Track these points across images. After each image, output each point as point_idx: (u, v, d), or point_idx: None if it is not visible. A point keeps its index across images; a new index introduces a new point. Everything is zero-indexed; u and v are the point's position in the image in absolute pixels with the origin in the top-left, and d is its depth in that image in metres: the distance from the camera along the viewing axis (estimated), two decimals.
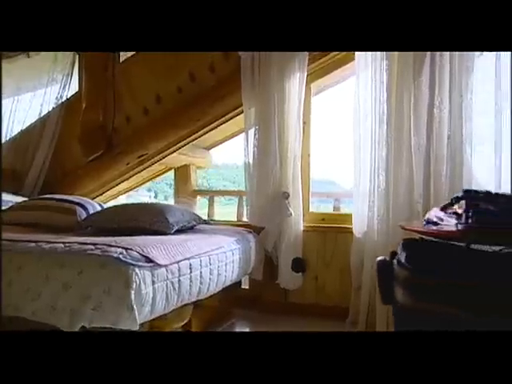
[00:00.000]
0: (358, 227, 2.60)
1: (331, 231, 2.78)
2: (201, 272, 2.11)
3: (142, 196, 7.42)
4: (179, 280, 1.95)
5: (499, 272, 0.85)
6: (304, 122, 2.81)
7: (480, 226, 1.20)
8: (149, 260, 1.77)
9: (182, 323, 2.18)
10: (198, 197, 3.84)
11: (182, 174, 3.73)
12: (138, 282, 1.69)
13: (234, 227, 2.76)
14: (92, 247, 1.81)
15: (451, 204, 1.31)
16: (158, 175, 4.01)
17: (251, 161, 2.78)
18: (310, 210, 2.92)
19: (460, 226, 1.23)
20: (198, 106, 2.91)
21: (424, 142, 2.48)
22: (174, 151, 3.13)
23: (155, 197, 7.80)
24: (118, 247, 1.78)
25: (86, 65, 3.19)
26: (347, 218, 2.71)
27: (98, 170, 3.13)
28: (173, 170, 3.79)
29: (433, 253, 0.90)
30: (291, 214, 2.68)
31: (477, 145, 2.41)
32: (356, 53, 2.62)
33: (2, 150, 3.23)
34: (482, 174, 2.38)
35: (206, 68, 2.92)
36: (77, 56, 3.28)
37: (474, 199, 1.24)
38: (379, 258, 1.02)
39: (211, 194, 3.83)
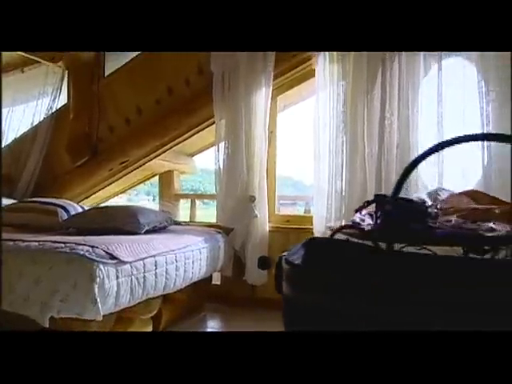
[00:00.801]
0: (318, 228, 2.67)
1: (294, 232, 2.85)
2: (166, 269, 2.18)
3: (141, 199, 7.54)
4: (144, 276, 2.01)
5: (387, 267, 0.92)
6: (271, 132, 2.89)
7: (385, 226, 1.28)
8: (113, 257, 1.84)
9: (150, 315, 2.24)
10: (187, 200, 3.94)
11: (166, 179, 3.81)
12: (101, 277, 1.76)
13: (204, 228, 2.83)
14: (62, 245, 1.88)
15: (364, 206, 1.39)
16: (145, 180, 4.10)
17: (221, 167, 2.86)
18: (276, 213, 2.99)
19: (369, 227, 1.32)
20: (175, 117, 2.99)
21: (376, 150, 2.56)
22: (154, 158, 3.21)
23: (153, 200, 7.90)
24: (85, 245, 1.85)
25: (74, 79, 3.28)
26: (309, 219, 2.78)
27: (83, 175, 3.21)
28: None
29: (325, 250, 0.98)
30: (257, 215, 2.76)
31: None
32: (316, 69, 2.70)
33: None
34: (427, 178, 2.46)
35: (182, 82, 3.01)
36: (66, 71, 3.36)
37: (383, 202, 1.32)
38: (281, 255, 1.09)
39: (192, 198, 3.92)
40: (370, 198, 2.54)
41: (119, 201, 6.36)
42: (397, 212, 1.25)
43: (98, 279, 1.74)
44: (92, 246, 1.84)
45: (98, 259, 1.78)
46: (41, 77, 3.45)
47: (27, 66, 3.52)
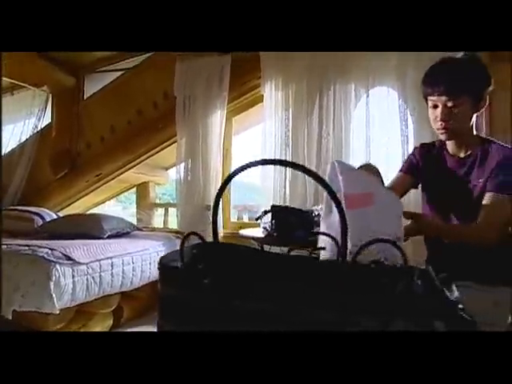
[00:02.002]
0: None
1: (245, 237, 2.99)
2: (123, 269, 2.31)
3: (134, 208, 7.72)
4: (100, 275, 2.14)
5: (270, 267, 1.05)
6: (226, 150, 3.05)
7: (277, 232, 1.43)
8: (69, 258, 1.97)
9: (110, 309, 2.36)
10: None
11: (143, 190, 3.95)
12: (57, 276, 1.89)
13: (165, 233, 2.96)
14: (26, 248, 2.01)
15: (262, 216, 1.54)
16: (125, 191, 4.24)
17: (182, 179, 3.00)
18: (231, 220, 3.13)
19: (265, 232, 1.46)
20: (144, 135, 3.14)
21: (314, 166, 2.72)
22: (127, 171, 3.34)
23: None
24: (46, 248, 1.98)
25: (57, 101, 3.44)
26: (257, 226, 2.92)
27: (63, 186, 3.34)
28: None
29: (202, 252, 1.12)
30: None
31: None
32: (264, 95, 2.87)
33: None
34: None
35: (151, 105, 3.17)
36: (50, 95, 3.51)
37: (278, 212, 1.47)
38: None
39: (166, 207, 4.04)
40: (310, 207, 2.74)
41: (115, 209, 6.52)
42: (286, 220, 1.41)
43: (54, 277, 1.87)
44: (51, 249, 1.97)
45: (55, 260, 1.91)
46: (28, 99, 3.60)
47: (16, 90, 3.66)
